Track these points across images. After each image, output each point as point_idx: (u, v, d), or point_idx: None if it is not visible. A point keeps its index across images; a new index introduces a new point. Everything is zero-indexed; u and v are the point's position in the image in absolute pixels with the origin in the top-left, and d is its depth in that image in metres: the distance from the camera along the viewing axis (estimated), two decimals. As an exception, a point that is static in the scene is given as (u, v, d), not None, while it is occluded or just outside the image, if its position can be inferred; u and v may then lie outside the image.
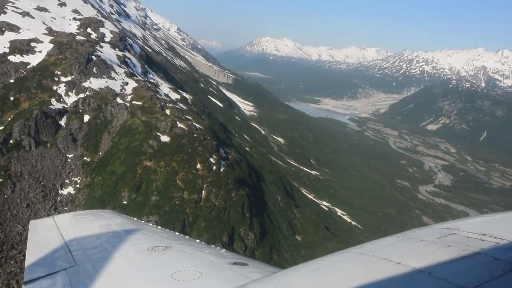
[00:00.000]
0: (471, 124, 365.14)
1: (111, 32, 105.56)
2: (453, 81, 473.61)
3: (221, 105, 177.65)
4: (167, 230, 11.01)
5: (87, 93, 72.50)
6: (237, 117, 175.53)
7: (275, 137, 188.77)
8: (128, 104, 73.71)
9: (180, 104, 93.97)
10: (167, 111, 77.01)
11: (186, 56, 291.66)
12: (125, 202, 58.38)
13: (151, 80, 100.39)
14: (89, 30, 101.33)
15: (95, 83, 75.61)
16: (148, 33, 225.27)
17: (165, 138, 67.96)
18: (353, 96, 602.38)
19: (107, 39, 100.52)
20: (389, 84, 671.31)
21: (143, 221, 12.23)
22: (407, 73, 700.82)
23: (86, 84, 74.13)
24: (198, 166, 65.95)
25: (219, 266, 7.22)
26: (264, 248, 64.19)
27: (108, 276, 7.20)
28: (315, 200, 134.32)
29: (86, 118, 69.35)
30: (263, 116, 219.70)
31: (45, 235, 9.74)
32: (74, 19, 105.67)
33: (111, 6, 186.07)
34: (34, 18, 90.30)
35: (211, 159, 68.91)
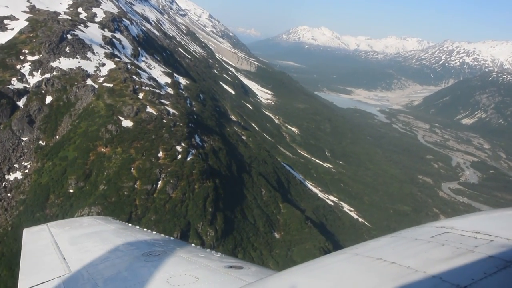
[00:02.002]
0: (509, 119, 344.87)
1: (105, 12, 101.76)
2: (493, 74, 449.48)
3: (233, 92, 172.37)
4: (162, 235, 10.92)
5: (54, 73, 68.51)
6: (248, 105, 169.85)
7: (289, 126, 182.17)
8: (96, 86, 69.24)
9: (168, 89, 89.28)
10: (140, 95, 72.15)
11: (210, 42, 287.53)
12: (71, 191, 54.08)
13: (142, 63, 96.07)
14: (80, 9, 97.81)
15: (65, 63, 71.57)
16: (167, 17, 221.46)
17: (127, 123, 63.13)
18: (387, 87, 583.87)
19: (97, 19, 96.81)
20: (426, 75, 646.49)
21: (137, 227, 12.01)
22: (446, 64, 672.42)
23: (54, 64, 70.21)
24: (160, 154, 60.85)
25: (215, 270, 7.07)
26: (226, 245, 58.58)
27: (102, 282, 7.14)
28: (320, 194, 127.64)
29: (49, 99, 65.42)
30: (281, 104, 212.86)
31: (39, 243, 9.65)
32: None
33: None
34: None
35: (178, 147, 63.68)
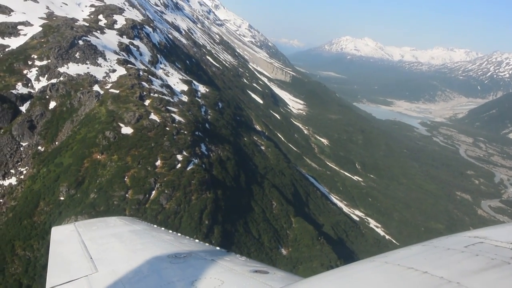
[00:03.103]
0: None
1: (126, 20, 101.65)
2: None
3: (261, 101, 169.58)
4: (187, 237, 10.71)
5: (61, 78, 67.93)
6: (276, 115, 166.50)
7: (318, 137, 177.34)
8: (102, 92, 68.09)
9: (183, 96, 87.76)
10: (147, 101, 70.48)
11: (246, 52, 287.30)
12: (62, 198, 52.46)
13: (159, 70, 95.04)
14: (100, 16, 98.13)
15: (73, 69, 70.99)
16: (200, 26, 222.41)
17: (127, 130, 61.31)
18: (431, 99, 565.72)
19: (117, 26, 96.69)
20: (473, 87, 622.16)
21: (163, 228, 11.87)
22: (495, 76, 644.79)
23: (62, 69, 69.70)
24: (158, 162, 58.56)
25: (240, 274, 6.98)
26: (222, 261, 55.27)
27: (128, 283, 7.22)
28: (345, 208, 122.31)
29: (52, 105, 64.72)
30: (312, 115, 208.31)
31: (66, 242, 9.65)
32: (92, 6, 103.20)
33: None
34: (38, 2, 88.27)
35: (179, 156, 61.24)
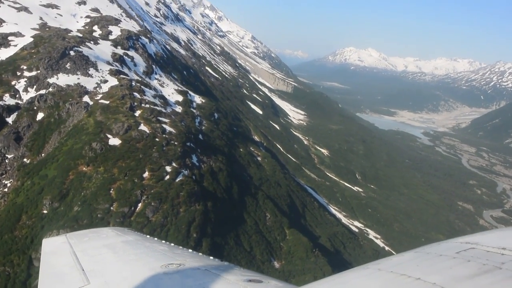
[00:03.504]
0: None
1: (122, 30, 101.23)
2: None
3: (261, 112, 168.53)
4: (181, 247, 10.57)
5: (50, 89, 67.11)
6: (276, 125, 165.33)
7: (318, 148, 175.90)
8: (91, 103, 67.16)
9: (177, 107, 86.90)
10: (138, 112, 69.47)
11: (247, 63, 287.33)
12: (45, 211, 51.17)
13: (154, 81, 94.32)
14: (95, 27, 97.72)
15: (63, 79, 70.21)
16: (200, 37, 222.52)
17: (115, 141, 60.19)
18: (434, 109, 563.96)
19: (111, 37, 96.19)
20: (476, 97, 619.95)
21: (156, 238, 11.53)
22: (498, 85, 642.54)
23: (51, 80, 68.93)
24: (146, 174, 57.32)
25: (234, 283, 6.91)
26: (211, 276, 53.69)
27: None
28: (344, 219, 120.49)
29: (40, 116, 63.78)
30: (313, 125, 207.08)
31: (57, 253, 9.54)
32: (88, 17, 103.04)
33: (158, 9, 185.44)
34: (31, 13, 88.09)
35: (167, 167, 59.99)
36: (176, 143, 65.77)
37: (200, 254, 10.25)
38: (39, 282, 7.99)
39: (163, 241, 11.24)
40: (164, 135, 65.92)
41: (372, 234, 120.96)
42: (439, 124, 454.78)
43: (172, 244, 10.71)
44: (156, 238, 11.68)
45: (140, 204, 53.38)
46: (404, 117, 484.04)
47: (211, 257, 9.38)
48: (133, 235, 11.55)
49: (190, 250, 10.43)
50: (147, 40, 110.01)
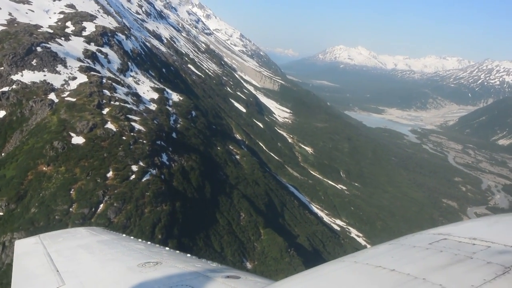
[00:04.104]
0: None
1: (96, 27, 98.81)
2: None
3: (244, 110, 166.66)
4: (157, 245, 10.70)
5: (13, 86, 64.76)
6: (259, 123, 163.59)
7: (303, 146, 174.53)
8: (56, 100, 64.93)
9: (152, 105, 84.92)
10: (106, 110, 67.30)
11: (234, 61, 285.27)
12: (1, 213, 49.04)
13: (129, 78, 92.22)
14: (68, 23, 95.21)
15: (28, 76, 67.86)
16: (185, 35, 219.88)
17: (78, 140, 58.05)
18: (422, 106, 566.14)
19: (85, 33, 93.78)
20: (464, 94, 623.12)
21: (132, 237, 11.60)
22: (485, 83, 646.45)
23: (15, 77, 66.59)
24: (110, 174, 55.31)
25: (212, 280, 6.79)
26: (176, 279, 51.89)
27: None
28: (326, 218, 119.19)
29: (1, 114, 61.52)
30: (298, 123, 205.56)
31: (31, 255, 9.34)
32: (62, 13, 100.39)
33: (140, 6, 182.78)
34: (0, 8, 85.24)
35: (134, 167, 58.03)
36: (144, 141, 63.78)
37: (178, 252, 10.05)
38: (12, 284, 7.79)
39: (140, 240, 11.11)
40: (132, 134, 63.92)
41: (354, 233, 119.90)
42: (427, 122, 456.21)
43: (149, 243, 10.67)
44: (132, 237, 11.66)
45: (102, 205, 51.38)
46: (393, 115, 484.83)
47: (189, 255, 9.26)
48: (109, 235, 11.45)
49: (167, 248, 10.27)
50: (123, 36, 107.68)
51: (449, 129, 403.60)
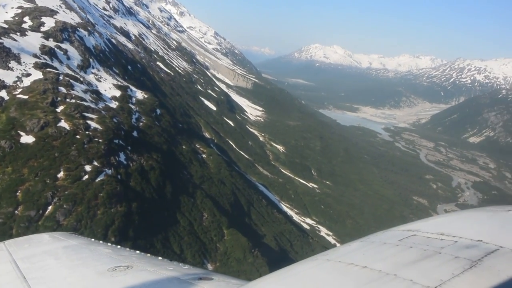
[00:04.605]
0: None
1: (56, 22, 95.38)
2: (503, 91, 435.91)
3: (215, 108, 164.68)
4: (128, 249, 10.54)
5: (-39, 83, 61.51)
6: (230, 121, 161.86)
7: (274, 144, 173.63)
8: (7, 98, 61.96)
9: (113, 102, 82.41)
10: (60, 108, 64.61)
11: (207, 59, 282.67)
12: None
13: (90, 75, 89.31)
14: (26, 18, 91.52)
15: (-23, 73, 64.59)
16: (155, 32, 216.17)
17: (28, 139, 55.38)
18: (396, 105, 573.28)
19: (43, 28, 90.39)
20: (436, 93, 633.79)
21: (101, 242, 11.44)
22: (457, 82, 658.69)
23: (-37, 73, 63.23)
24: (61, 174, 52.87)
25: (185, 282, 6.76)
26: (130, 283, 49.89)
27: None
28: (296, 217, 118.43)
29: None
30: (270, 122, 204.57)
31: None
32: (20, 7, 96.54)
33: (108, 2, 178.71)
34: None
35: (87, 167, 55.67)
36: (100, 140, 61.39)
37: (149, 255, 9.95)
38: None
39: (109, 244, 10.96)
40: (87, 132, 61.43)
41: (324, 231, 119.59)
42: (400, 120, 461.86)
43: (119, 246, 10.58)
44: (101, 242, 11.48)
45: (50, 207, 48.97)
46: (367, 113, 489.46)
47: (160, 258, 9.20)
48: (77, 240, 11.24)
49: (138, 252, 10.05)
50: (86, 32, 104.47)
51: (422, 127, 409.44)
